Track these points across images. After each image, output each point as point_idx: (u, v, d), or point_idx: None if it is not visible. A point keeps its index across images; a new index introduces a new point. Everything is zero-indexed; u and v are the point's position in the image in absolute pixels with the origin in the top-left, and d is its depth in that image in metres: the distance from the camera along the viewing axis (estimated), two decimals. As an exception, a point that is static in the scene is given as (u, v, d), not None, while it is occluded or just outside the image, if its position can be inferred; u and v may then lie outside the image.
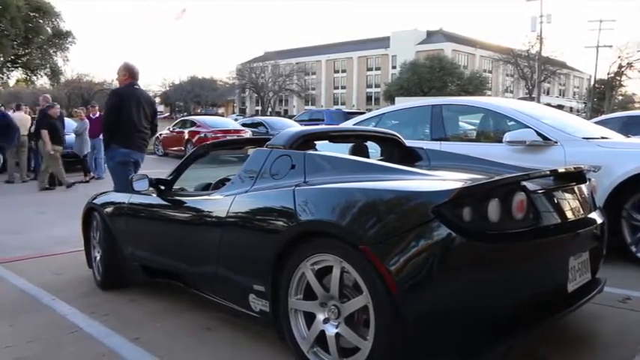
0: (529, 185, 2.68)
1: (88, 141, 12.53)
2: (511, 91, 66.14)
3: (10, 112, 12.91)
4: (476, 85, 55.91)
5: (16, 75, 24.42)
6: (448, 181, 2.75)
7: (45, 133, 10.81)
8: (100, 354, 3.18)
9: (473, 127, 6.57)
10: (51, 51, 22.99)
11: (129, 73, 5.89)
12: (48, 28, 22.50)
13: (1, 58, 21.84)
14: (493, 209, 2.40)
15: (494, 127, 5.89)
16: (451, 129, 6.10)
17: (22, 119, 12.36)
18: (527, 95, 50.00)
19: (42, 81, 26.04)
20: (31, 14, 21.55)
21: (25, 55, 22.20)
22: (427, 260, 2.34)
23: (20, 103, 13.88)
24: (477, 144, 5.72)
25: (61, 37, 23.24)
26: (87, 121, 12.52)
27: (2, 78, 23.92)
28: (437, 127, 5.97)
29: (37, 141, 11.75)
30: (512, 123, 5.46)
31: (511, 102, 6.39)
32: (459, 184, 2.50)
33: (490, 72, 72.39)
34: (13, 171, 12.28)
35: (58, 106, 12.08)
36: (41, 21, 22.13)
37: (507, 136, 5.17)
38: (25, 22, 20.72)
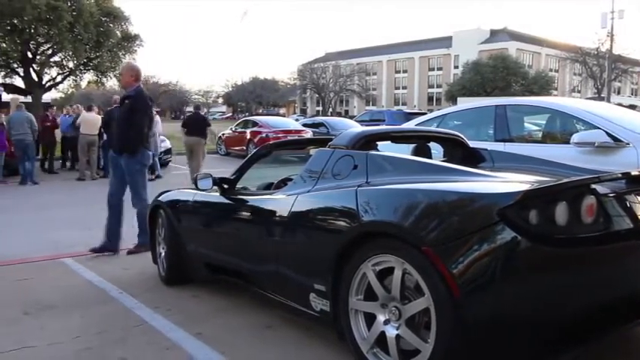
0: (599, 188, 2.58)
1: (159, 140, 12.88)
2: (579, 91, 63.79)
3: (82, 112, 13.51)
4: (541, 85, 54.30)
5: (87, 77, 25.43)
6: (513, 182, 2.69)
7: None
8: (164, 347, 3.27)
9: (538, 128, 6.39)
10: (120, 54, 23.77)
11: (135, 75, 5.79)
12: (118, 32, 23.28)
13: (75, 61, 22.78)
14: (561, 212, 2.32)
15: (561, 128, 5.70)
16: (516, 130, 5.94)
17: (93, 119, 12.88)
18: (596, 95, 48.11)
19: (111, 82, 27.02)
20: (103, 19, 22.34)
21: (96, 58, 23.05)
22: (491, 263, 2.29)
23: (91, 104, 14.45)
24: (543, 145, 5.56)
25: (129, 41, 24.01)
26: (159, 120, 12.87)
27: (75, 80, 24.94)
28: (501, 128, 5.82)
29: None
30: (581, 124, 5.27)
31: (579, 102, 6.17)
32: (525, 186, 2.43)
33: (556, 71, 70.29)
34: (84, 169, 12.81)
35: None
36: (112, 25, 22.91)
37: (575, 138, 4.99)
38: (97, 27, 21.51)
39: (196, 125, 12.34)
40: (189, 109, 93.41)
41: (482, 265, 2.30)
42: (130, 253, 5.64)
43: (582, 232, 2.41)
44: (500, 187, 2.53)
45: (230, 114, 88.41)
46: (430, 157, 3.76)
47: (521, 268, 2.31)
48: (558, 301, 2.36)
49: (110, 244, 5.66)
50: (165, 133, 15.02)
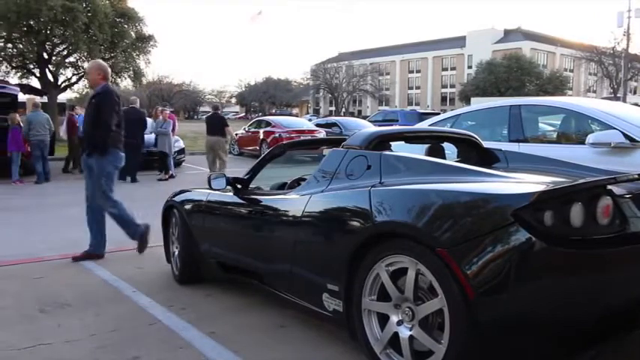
0: (615, 189, 2.55)
1: (172, 139, 12.94)
2: (594, 91, 63.30)
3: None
4: (556, 84, 53.96)
5: (102, 77, 25.60)
6: (528, 183, 2.67)
7: None
8: (177, 346, 3.29)
9: (553, 129, 6.35)
10: (134, 54, 23.91)
11: (103, 73, 5.57)
12: (132, 33, 23.41)
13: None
14: (576, 214, 2.30)
15: (576, 129, 5.66)
16: (530, 130, 5.91)
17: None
18: (612, 95, 47.62)
19: (125, 83, 27.18)
20: (117, 20, 22.49)
21: (110, 58, 23.19)
22: (505, 265, 2.28)
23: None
24: (558, 146, 5.52)
25: (143, 41, 24.14)
26: (171, 120, 12.93)
27: (91, 80, 25.14)
28: (515, 128, 5.79)
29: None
30: (596, 124, 5.22)
31: (594, 102, 6.12)
32: (539, 187, 2.41)
33: (571, 71, 69.71)
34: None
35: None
36: (126, 26, 23.06)
37: (591, 138, 4.95)
38: (112, 28, 21.64)
39: (216, 125, 12.63)
40: (203, 109, 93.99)
41: (497, 266, 2.29)
42: (139, 250, 5.50)
43: (598, 234, 2.38)
44: (515, 188, 2.51)
45: (243, 114, 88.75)
46: (444, 158, 3.75)
47: (536, 270, 2.30)
48: (573, 303, 2.34)
49: (94, 249, 5.51)
50: (177, 132, 15.08)
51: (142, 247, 5.51)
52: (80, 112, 15.36)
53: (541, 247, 2.25)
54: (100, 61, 5.93)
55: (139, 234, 5.48)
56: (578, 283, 2.34)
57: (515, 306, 2.29)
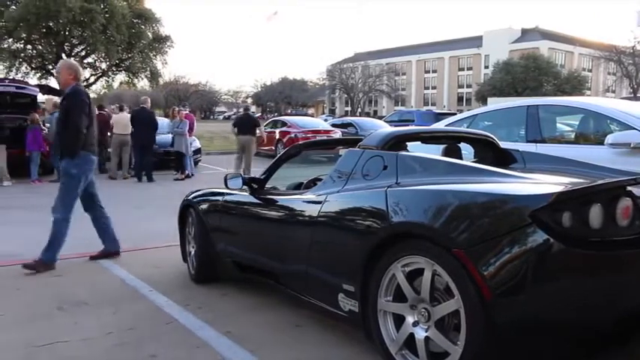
0: (635, 190, 2.52)
1: (188, 140, 13.02)
2: (613, 91, 62.43)
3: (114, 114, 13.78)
4: (574, 84, 53.35)
5: (119, 78, 25.87)
6: (546, 184, 2.66)
7: None
8: (194, 345, 3.31)
9: (571, 129, 6.29)
10: (151, 55, 24.13)
11: (74, 73, 5.30)
12: (149, 33, 23.64)
13: (108, 63, 23.20)
14: (595, 215, 2.28)
15: (594, 129, 5.60)
16: (548, 130, 5.86)
17: (125, 119, 13.09)
18: (632, 95, 47.03)
19: (142, 83, 27.44)
20: (134, 21, 22.73)
21: (128, 59, 23.45)
22: (523, 266, 2.27)
23: (123, 104, 14.69)
24: (576, 146, 5.46)
25: (160, 42, 24.36)
26: (187, 121, 13.02)
27: (108, 81, 25.41)
28: (533, 129, 5.75)
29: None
30: (615, 124, 5.16)
31: (614, 102, 6.06)
32: (558, 188, 2.40)
33: (590, 71, 69.01)
34: (115, 168, 13.03)
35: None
36: (143, 27, 23.29)
37: (610, 138, 4.89)
38: (129, 29, 21.88)
39: (247, 125, 12.99)
40: (219, 109, 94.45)
41: (514, 267, 2.27)
42: (25, 266, 5.01)
43: (617, 235, 2.36)
44: (533, 189, 2.49)
45: (259, 114, 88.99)
46: (460, 158, 3.73)
47: (554, 271, 2.28)
48: (591, 305, 2.32)
49: (110, 247, 5.55)
50: (194, 132, 15.16)
51: (29, 267, 5.01)
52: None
53: (559, 249, 2.23)
54: (71, 60, 5.62)
55: (45, 259, 5.08)
56: (596, 285, 2.32)
57: (533, 307, 2.28)
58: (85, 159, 5.19)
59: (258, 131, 13.31)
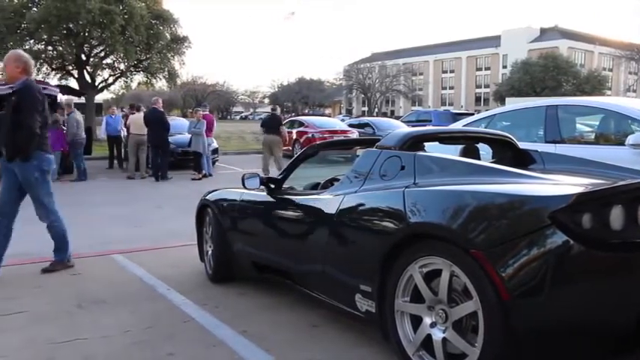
0: (658, 192, 2.49)
1: (206, 140, 13.09)
2: (634, 91, 61.72)
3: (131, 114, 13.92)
4: (594, 84, 52.70)
5: (137, 78, 26.06)
6: (566, 185, 2.63)
7: None
8: (211, 344, 3.32)
9: (591, 129, 6.23)
10: (169, 55, 24.24)
11: (23, 65, 4.78)
12: (167, 34, 23.75)
13: (126, 63, 23.40)
14: (616, 216, 2.25)
15: (615, 129, 5.54)
16: (567, 131, 5.80)
17: (141, 119, 13.16)
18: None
19: (160, 84, 27.59)
20: (153, 22, 22.85)
21: (146, 59, 23.58)
22: (542, 268, 2.25)
23: (140, 105, 14.80)
24: (596, 147, 5.41)
25: (178, 42, 24.46)
26: (204, 121, 13.09)
27: (126, 81, 25.60)
28: (552, 129, 5.70)
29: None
30: (636, 124, 5.10)
31: (635, 102, 5.97)
32: (578, 189, 2.37)
33: (610, 70, 68.23)
34: (133, 168, 13.14)
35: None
36: (161, 27, 23.41)
37: (631, 139, 4.84)
38: (147, 30, 22.00)
39: (273, 125, 13.19)
40: (236, 109, 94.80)
41: (533, 269, 2.26)
42: (44, 271, 4.94)
43: (638, 237, 2.33)
44: (552, 190, 2.47)
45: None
46: (478, 159, 3.70)
47: (573, 273, 2.26)
48: (612, 307, 2.30)
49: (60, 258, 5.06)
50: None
51: (48, 270, 4.94)
52: (117, 112, 15.74)
53: (579, 250, 2.21)
54: (20, 51, 5.04)
55: (59, 259, 5.02)
56: (616, 287, 2.30)
57: (551, 309, 2.26)
58: (41, 159, 4.82)
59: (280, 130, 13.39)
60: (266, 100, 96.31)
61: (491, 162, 3.78)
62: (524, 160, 3.82)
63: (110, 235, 6.69)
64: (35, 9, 21.13)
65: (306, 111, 73.99)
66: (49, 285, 4.59)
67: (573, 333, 2.30)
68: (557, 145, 5.41)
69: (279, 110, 15.36)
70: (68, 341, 3.37)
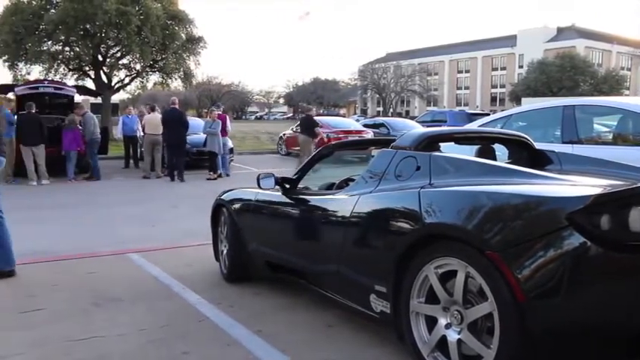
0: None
1: (221, 140, 13.15)
2: (653, 91, 61.02)
3: (146, 114, 14.01)
4: (611, 84, 52.07)
5: (153, 78, 26.20)
6: (583, 186, 2.61)
7: None
8: (225, 344, 3.34)
9: (609, 129, 6.16)
10: (184, 55, 24.33)
11: None
12: (182, 35, 23.84)
13: (142, 64, 23.54)
14: (635, 218, 2.22)
15: (633, 130, 5.48)
16: (584, 131, 5.75)
17: (157, 120, 13.26)
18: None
19: (176, 84, 27.71)
20: (168, 22, 22.95)
21: (162, 60, 23.71)
22: (558, 269, 2.23)
23: (154, 105, 14.90)
24: (614, 147, 5.36)
25: (193, 43, 24.54)
26: (220, 121, 13.14)
27: (142, 81, 25.75)
28: (569, 129, 5.65)
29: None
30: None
31: (653, 102, 5.90)
32: (596, 190, 2.35)
33: (629, 70, 67.46)
34: (148, 168, 13.23)
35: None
36: (177, 28, 23.50)
37: (650, 139, 4.78)
38: (163, 30, 22.11)
39: (305, 125, 13.96)
40: (251, 109, 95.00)
41: (549, 270, 2.24)
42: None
43: None
44: (569, 191, 2.45)
45: (291, 114, 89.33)
46: (494, 159, 3.68)
47: (590, 275, 2.24)
48: (629, 310, 2.27)
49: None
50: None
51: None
52: (134, 112, 15.86)
53: (597, 252, 2.20)
54: None
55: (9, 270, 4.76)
56: (633, 289, 2.27)
57: (568, 311, 2.24)
58: None
59: (316, 131, 13.87)
60: (281, 100, 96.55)
61: (507, 162, 3.76)
62: (540, 160, 3.79)
63: (126, 234, 6.74)
64: (53, 10, 21.34)
65: (321, 111, 74.00)
66: (66, 283, 4.64)
67: (588, 334, 2.28)
68: (574, 145, 5.36)
69: (314, 111, 15.55)
70: (84, 339, 3.40)
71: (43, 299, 4.21)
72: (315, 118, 15.06)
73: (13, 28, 20.56)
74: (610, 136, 5.96)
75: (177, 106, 12.97)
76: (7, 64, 22.05)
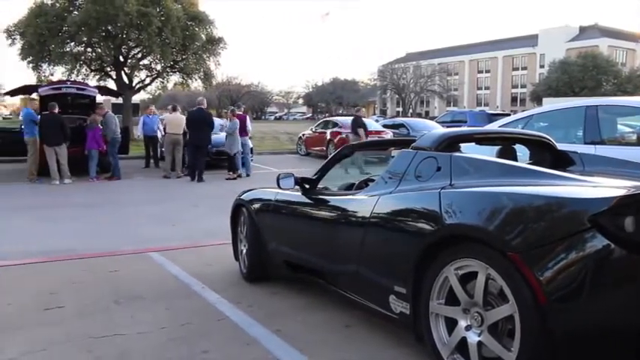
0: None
1: (239, 140, 13.20)
2: (678, 91, 59.83)
3: (167, 114, 14.12)
4: (636, 84, 51.23)
5: (174, 79, 26.37)
6: (606, 187, 2.57)
7: None
8: (244, 343, 3.35)
9: (632, 130, 6.07)
10: (204, 56, 24.45)
11: None
12: (203, 35, 23.96)
13: (163, 64, 23.72)
14: (661, 220, 2.19)
15: (658, 130, 5.39)
16: (608, 131, 5.67)
17: (178, 119, 13.35)
18: (698, 95, 44.91)
19: (196, 84, 27.86)
20: (189, 23, 23.09)
21: (182, 60, 23.87)
22: (581, 272, 2.20)
23: (176, 105, 15.01)
24: (638, 148, 5.27)
25: (213, 43, 24.66)
26: (237, 121, 13.18)
27: (163, 82, 25.95)
28: (591, 130, 5.58)
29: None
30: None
31: (680, 102, 5.80)
32: (619, 192, 2.31)
33: (654, 69, 66.23)
34: (169, 167, 13.32)
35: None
36: (197, 29, 23.64)
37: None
38: (184, 31, 22.25)
39: (352, 125, 14.50)
40: (271, 109, 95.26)
41: (571, 273, 2.21)
42: None
43: None
44: (592, 192, 2.42)
45: (310, 114, 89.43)
46: (515, 160, 3.64)
47: (614, 278, 2.21)
48: None
49: None
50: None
51: None
52: (157, 112, 16.02)
53: (620, 255, 2.17)
54: None
55: None
56: None
57: (590, 314, 2.22)
58: None
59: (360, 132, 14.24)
60: (300, 101, 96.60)
61: (529, 163, 3.72)
62: (562, 161, 3.75)
63: (146, 233, 6.80)
64: (76, 12, 21.58)
65: (340, 111, 73.89)
66: (88, 281, 4.70)
67: (608, 337, 2.25)
68: (596, 146, 5.29)
69: (363, 111, 15.85)
70: (105, 336, 3.44)
71: (65, 297, 4.27)
72: (335, 118, 15.15)
73: (37, 30, 20.83)
74: (634, 137, 5.88)
75: (203, 107, 13.02)
76: (31, 65, 22.35)
